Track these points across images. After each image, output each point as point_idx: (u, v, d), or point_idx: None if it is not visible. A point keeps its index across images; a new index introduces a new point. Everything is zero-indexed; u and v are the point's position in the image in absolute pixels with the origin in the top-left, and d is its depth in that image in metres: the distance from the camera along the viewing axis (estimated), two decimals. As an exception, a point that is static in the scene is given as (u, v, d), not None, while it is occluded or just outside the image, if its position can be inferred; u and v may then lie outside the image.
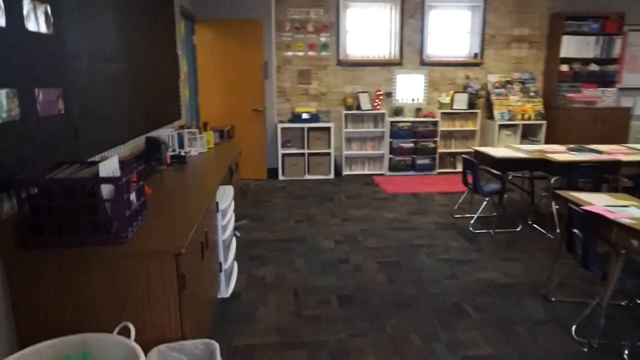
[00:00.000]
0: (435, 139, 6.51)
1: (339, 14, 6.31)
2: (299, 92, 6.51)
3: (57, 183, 1.57)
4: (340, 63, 6.45)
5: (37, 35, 1.85)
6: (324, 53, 6.41)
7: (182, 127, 3.92)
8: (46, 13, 1.93)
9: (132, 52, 3.08)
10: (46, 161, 1.85)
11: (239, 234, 4.00)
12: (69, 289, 1.64)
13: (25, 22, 1.77)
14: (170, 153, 3.30)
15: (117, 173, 1.72)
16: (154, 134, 3.40)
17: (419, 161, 6.54)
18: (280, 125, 6.16)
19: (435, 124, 6.50)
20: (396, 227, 4.25)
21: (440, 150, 6.58)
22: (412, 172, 6.55)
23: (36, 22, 1.85)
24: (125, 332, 1.64)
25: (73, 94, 2.17)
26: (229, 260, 2.90)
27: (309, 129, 6.23)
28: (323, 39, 6.36)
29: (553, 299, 2.85)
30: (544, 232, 4.09)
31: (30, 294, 1.63)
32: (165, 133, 3.49)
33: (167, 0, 4.22)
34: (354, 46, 6.54)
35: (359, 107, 6.44)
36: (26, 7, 1.77)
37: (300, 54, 6.38)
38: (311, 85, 6.50)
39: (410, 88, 6.60)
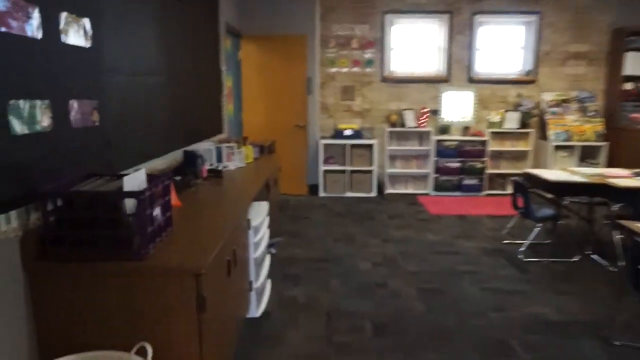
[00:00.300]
0: (483, 158, 6.20)
1: (384, 30, 6.21)
2: (342, 109, 6.43)
3: (80, 195, 1.54)
4: (384, 79, 6.33)
5: (74, 48, 1.87)
6: (368, 69, 6.31)
7: (223, 141, 3.93)
8: (84, 26, 1.95)
9: (172, 66, 3.11)
10: (77, 173, 1.84)
11: (274, 251, 3.91)
12: (87, 304, 1.59)
13: (61, 35, 1.78)
14: (207, 167, 3.28)
15: (143, 187, 1.67)
16: (193, 147, 3.41)
17: (466, 181, 6.25)
18: (322, 141, 6.09)
19: (483, 143, 6.20)
20: (439, 251, 4.02)
21: (488, 170, 6.26)
22: (458, 193, 6.26)
23: (74, 35, 1.86)
24: (142, 352, 1.57)
25: (109, 106, 2.18)
26: (260, 278, 2.81)
27: (352, 145, 6.11)
28: (367, 55, 6.28)
29: (617, 343, 2.53)
30: (605, 264, 3.71)
31: (50, 306, 1.60)
32: (204, 147, 3.49)
33: (211, 16, 4.29)
34: (399, 63, 6.40)
35: (403, 125, 6.26)
36: (63, 20, 1.79)
37: (344, 70, 6.32)
38: (355, 102, 6.41)
39: (457, 106, 6.36)
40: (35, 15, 1.61)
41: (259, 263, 2.81)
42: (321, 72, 6.29)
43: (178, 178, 2.71)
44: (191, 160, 3.03)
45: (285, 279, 3.39)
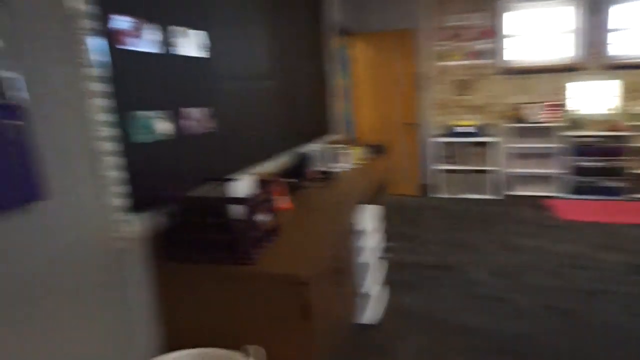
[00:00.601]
0: (627, 157, 5.33)
1: (501, 19, 5.67)
2: (456, 104, 6.03)
3: (192, 201, 1.59)
4: (503, 71, 5.78)
5: (192, 59, 1.95)
6: (484, 61, 5.81)
7: (332, 143, 3.91)
8: (202, 39, 2.03)
9: (281, 69, 3.15)
10: (196, 177, 1.92)
11: (389, 256, 3.77)
12: (200, 303, 1.65)
13: (181, 49, 1.86)
14: (316, 169, 3.27)
15: (250, 193, 1.67)
16: (302, 149, 3.43)
17: (605, 183, 5.43)
18: (435, 140, 5.78)
19: (627, 138, 5.33)
20: (573, 265, 3.52)
21: (634, 171, 5.36)
22: (594, 196, 5.47)
23: (192, 48, 1.94)
24: (250, 355, 1.57)
25: (223, 112, 2.25)
26: (370, 284, 2.71)
27: (467, 143, 5.70)
28: (483, 46, 5.78)
29: None
30: None
31: (170, 302, 1.68)
32: (313, 148, 3.49)
33: (317, 16, 4.29)
34: (520, 52, 5.78)
35: (525, 120, 5.66)
36: (184, 35, 1.87)
37: (459, 63, 5.90)
38: (470, 97, 5.97)
39: (591, 96, 5.55)
40: (154, 32, 1.69)
41: (368, 268, 2.71)
42: (433, 67, 5.97)
43: (289, 180, 2.73)
44: (301, 163, 3.04)
45: (397, 286, 3.24)
